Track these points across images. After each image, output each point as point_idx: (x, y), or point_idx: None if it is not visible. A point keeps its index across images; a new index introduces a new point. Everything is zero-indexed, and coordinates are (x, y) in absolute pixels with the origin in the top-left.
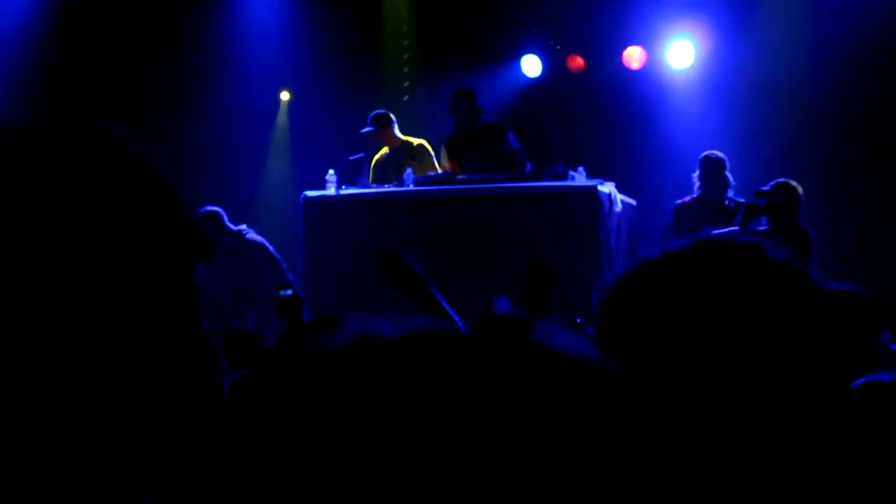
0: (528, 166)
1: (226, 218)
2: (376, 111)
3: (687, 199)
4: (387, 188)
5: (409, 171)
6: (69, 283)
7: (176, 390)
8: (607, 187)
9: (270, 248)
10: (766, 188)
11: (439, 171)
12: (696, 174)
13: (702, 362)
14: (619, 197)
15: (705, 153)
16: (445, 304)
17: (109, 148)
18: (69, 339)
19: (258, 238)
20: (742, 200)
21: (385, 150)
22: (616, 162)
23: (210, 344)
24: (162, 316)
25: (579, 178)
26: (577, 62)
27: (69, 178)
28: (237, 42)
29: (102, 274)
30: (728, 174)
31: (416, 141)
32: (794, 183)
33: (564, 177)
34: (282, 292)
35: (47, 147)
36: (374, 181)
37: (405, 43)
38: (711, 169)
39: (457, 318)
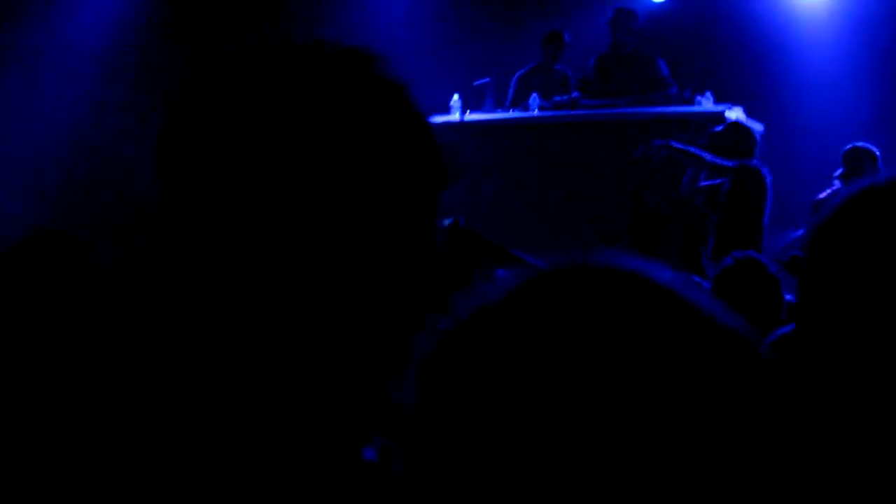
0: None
1: None
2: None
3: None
4: (511, 113)
5: (534, 95)
6: (328, 204)
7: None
8: (734, 112)
9: None
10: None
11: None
12: (838, 173)
13: None
14: (746, 122)
15: (851, 146)
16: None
17: (365, 68)
18: (324, 252)
19: None
20: None
21: (535, 66)
22: (744, 87)
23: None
24: (407, 241)
25: (706, 103)
26: None
27: (329, 99)
28: None
29: (358, 195)
30: (879, 168)
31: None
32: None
33: (692, 102)
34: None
35: (311, 67)
36: (516, 97)
37: None
38: (857, 165)
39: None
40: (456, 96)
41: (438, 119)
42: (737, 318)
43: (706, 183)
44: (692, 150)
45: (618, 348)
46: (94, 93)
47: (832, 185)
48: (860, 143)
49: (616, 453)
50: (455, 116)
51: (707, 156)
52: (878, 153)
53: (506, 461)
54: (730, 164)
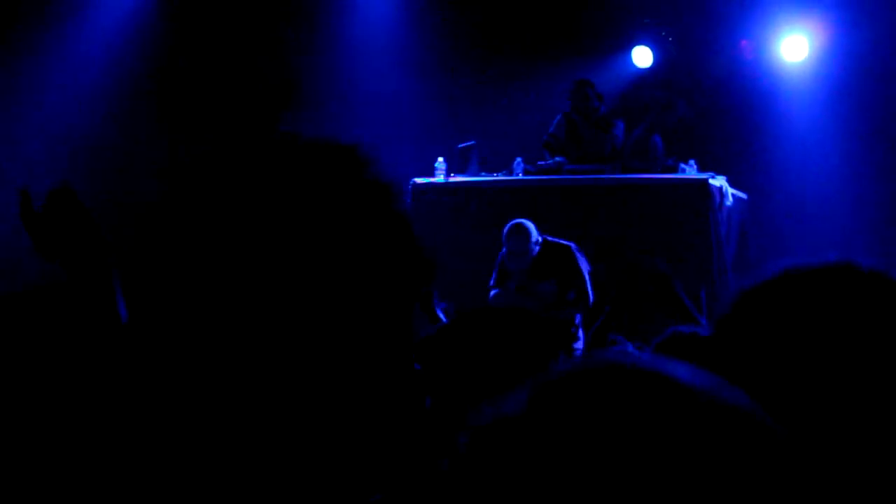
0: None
1: None
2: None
3: None
4: (496, 177)
5: (518, 160)
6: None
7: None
8: (718, 181)
9: None
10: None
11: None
12: None
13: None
14: (730, 190)
15: None
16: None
17: (355, 170)
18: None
19: None
20: None
21: (561, 120)
22: (727, 155)
23: (413, 374)
24: (383, 338)
25: (690, 171)
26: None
27: (317, 197)
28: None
29: (339, 288)
30: None
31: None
32: None
33: (675, 169)
34: None
35: (300, 163)
36: (555, 146)
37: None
38: None
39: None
40: (441, 159)
41: (422, 180)
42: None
43: None
44: None
45: (642, 441)
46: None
47: None
48: None
49: None
50: (440, 178)
51: None
52: None
53: None
54: None
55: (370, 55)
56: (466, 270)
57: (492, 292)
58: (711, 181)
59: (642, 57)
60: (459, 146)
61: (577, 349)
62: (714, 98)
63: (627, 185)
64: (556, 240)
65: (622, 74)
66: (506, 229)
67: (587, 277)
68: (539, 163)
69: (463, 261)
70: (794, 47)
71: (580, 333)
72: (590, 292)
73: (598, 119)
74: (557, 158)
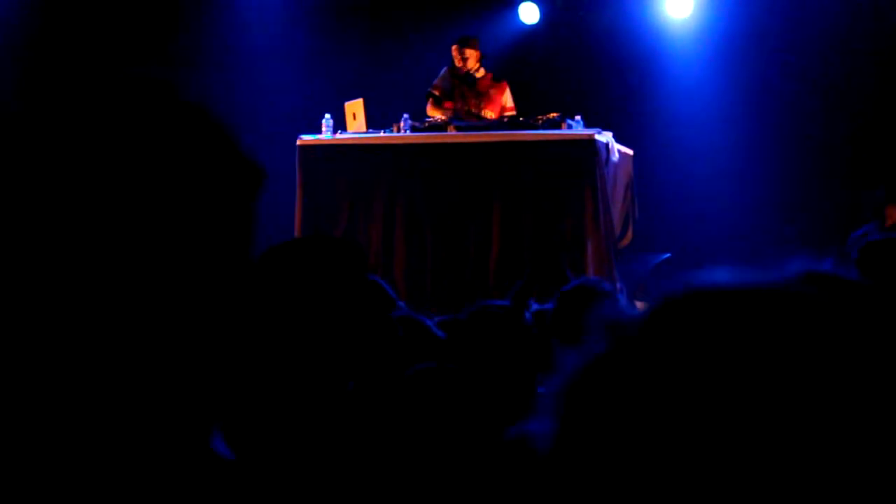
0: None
1: None
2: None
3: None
4: (383, 133)
5: (405, 116)
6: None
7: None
8: (605, 136)
9: None
10: None
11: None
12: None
13: None
14: (616, 146)
15: None
16: None
17: (164, 93)
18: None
19: None
20: None
21: (446, 74)
22: (613, 111)
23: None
24: (219, 246)
25: (576, 127)
26: None
27: (133, 122)
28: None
29: (162, 206)
30: None
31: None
32: None
33: (561, 125)
34: None
35: (108, 94)
36: (439, 98)
37: None
38: None
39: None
40: (328, 115)
41: (309, 138)
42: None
43: None
44: None
45: (756, 354)
46: None
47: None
48: None
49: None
50: (326, 136)
51: None
52: None
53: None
54: None
55: (255, 9)
56: (354, 230)
57: None
58: (598, 137)
59: (529, 13)
60: (346, 102)
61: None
62: (600, 54)
63: (514, 141)
64: None
65: (509, 31)
66: None
67: None
68: (426, 119)
69: (351, 220)
70: (679, 3)
71: None
72: None
73: (481, 79)
74: (452, 120)
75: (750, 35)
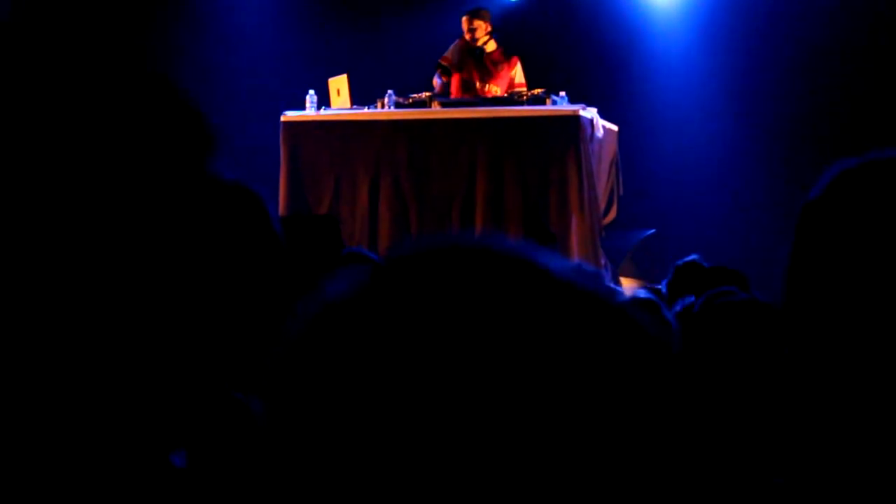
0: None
1: None
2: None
3: None
4: (367, 110)
5: (390, 92)
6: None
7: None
8: (589, 112)
9: None
10: None
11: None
12: None
13: None
14: (601, 122)
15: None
16: None
17: (119, 59)
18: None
19: None
20: None
21: (457, 45)
22: (598, 88)
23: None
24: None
25: (561, 103)
26: None
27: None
28: None
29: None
30: None
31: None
32: None
33: (546, 101)
34: None
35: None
36: (445, 85)
37: None
38: None
39: None
40: (312, 91)
41: (293, 114)
42: (597, 280)
43: None
44: None
45: (473, 323)
46: None
47: None
48: None
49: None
50: (310, 112)
51: None
52: None
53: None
54: None
55: None
56: (339, 206)
57: None
58: (582, 113)
59: None
60: (330, 78)
61: None
62: (585, 31)
63: (498, 117)
64: None
65: (494, 6)
66: None
67: None
68: (410, 95)
69: (335, 196)
70: None
71: None
72: None
73: (490, 53)
74: (436, 96)
75: (736, 12)
